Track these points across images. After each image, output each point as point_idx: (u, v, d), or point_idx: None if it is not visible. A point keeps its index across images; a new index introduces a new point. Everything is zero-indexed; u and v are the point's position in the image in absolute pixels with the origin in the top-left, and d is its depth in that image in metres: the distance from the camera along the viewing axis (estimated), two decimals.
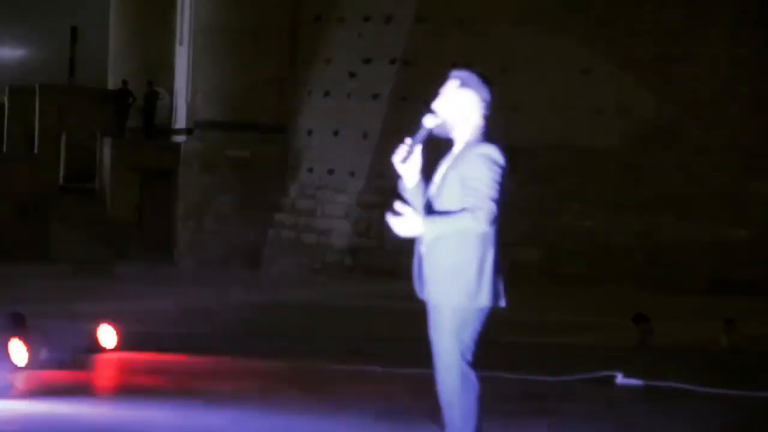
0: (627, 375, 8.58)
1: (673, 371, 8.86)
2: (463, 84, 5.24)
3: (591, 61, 17.42)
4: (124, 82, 25.29)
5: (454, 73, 5.29)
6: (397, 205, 5.07)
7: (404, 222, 5.07)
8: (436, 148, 5.34)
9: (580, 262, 16.74)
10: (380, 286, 13.84)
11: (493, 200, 5.01)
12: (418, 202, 5.28)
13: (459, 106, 5.23)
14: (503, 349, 9.46)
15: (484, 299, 5.15)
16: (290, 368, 8.76)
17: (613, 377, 8.56)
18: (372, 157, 17.65)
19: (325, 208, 18.53)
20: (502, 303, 5.26)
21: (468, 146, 5.19)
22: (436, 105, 5.25)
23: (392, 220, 5.05)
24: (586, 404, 7.89)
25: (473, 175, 5.07)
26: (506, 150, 5.17)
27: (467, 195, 5.05)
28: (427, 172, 5.25)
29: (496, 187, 5.05)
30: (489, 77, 5.33)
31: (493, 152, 5.11)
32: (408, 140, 5.16)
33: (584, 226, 17.03)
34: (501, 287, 5.20)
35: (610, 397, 8.18)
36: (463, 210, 5.03)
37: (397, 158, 5.16)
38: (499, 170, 5.06)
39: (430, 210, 5.22)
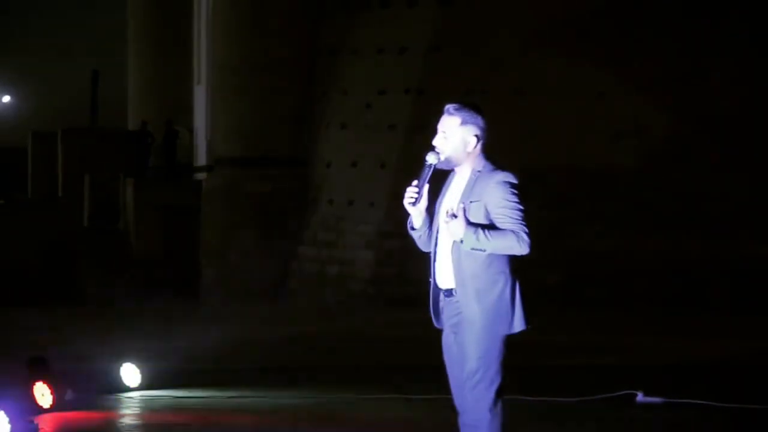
0: (648, 393, 8.62)
1: (695, 389, 8.88)
2: (465, 122, 5.29)
3: (605, 83, 17.47)
4: (144, 123, 25.56)
5: (450, 109, 5.34)
6: (458, 210, 5.15)
7: (454, 223, 5.11)
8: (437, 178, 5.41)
9: (601, 283, 16.73)
10: (404, 314, 13.87)
11: (526, 226, 5.13)
12: (424, 238, 5.38)
13: (467, 143, 5.29)
14: (525, 372, 9.51)
15: (519, 324, 5.25)
16: (315, 400, 8.82)
17: (634, 396, 8.60)
18: (391, 186, 17.73)
19: (347, 239, 18.62)
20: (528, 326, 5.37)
21: (483, 175, 5.25)
22: (437, 142, 5.32)
23: (455, 216, 5.10)
24: (605, 424, 7.92)
25: (502, 204, 5.15)
26: (523, 174, 5.30)
27: (502, 223, 5.15)
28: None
29: (523, 210, 5.17)
30: (479, 104, 5.41)
31: (510, 178, 5.21)
32: (415, 182, 5.24)
33: (604, 248, 17.03)
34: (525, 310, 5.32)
35: (630, 415, 8.21)
36: (508, 231, 5.14)
37: (407, 201, 5.24)
38: (519, 195, 5.17)
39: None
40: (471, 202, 5.18)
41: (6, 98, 42.54)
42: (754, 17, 17.59)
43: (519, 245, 5.10)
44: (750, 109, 17.36)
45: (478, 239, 5.08)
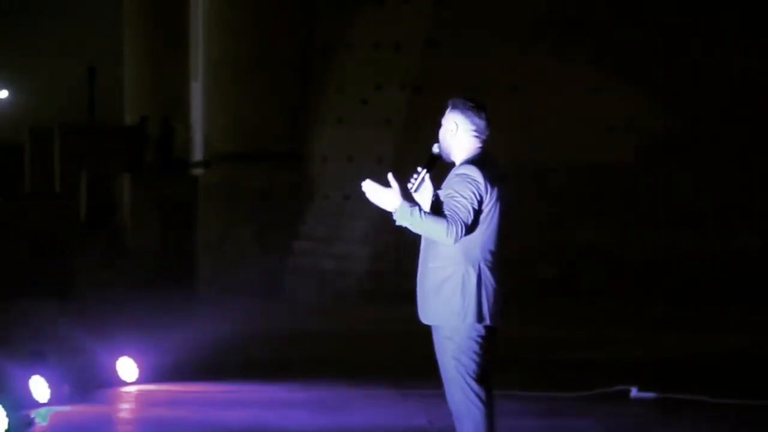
0: (642, 389, 8.67)
1: (689, 384, 8.93)
2: (452, 108, 5.43)
3: (600, 78, 17.51)
4: (143, 118, 25.55)
5: (450, 100, 5.48)
6: (390, 176, 5.27)
7: (383, 193, 5.22)
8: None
9: (596, 277, 16.79)
10: (400, 309, 13.92)
11: (465, 219, 5.17)
12: None
13: (447, 130, 5.41)
14: (520, 367, 9.56)
15: (471, 317, 5.25)
16: (311, 394, 8.87)
17: (628, 391, 8.65)
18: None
19: (343, 233, 18.66)
20: (495, 322, 5.32)
21: (454, 169, 5.36)
22: (439, 133, 5.46)
23: (370, 186, 5.25)
24: (600, 419, 7.97)
25: (449, 193, 5.25)
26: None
27: (445, 210, 5.23)
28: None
29: (471, 204, 5.20)
30: (482, 103, 5.48)
31: (469, 170, 5.27)
32: (419, 168, 5.35)
33: (599, 242, 17.08)
34: (493, 305, 5.30)
35: (624, 410, 8.25)
36: (443, 218, 5.20)
37: (410, 186, 5.36)
38: (474, 187, 5.20)
39: None
40: (438, 190, 5.33)
41: (4, 94, 42.55)
42: (748, 12, 17.64)
43: (445, 233, 5.14)
44: (742, 104, 17.42)
45: (410, 215, 5.16)
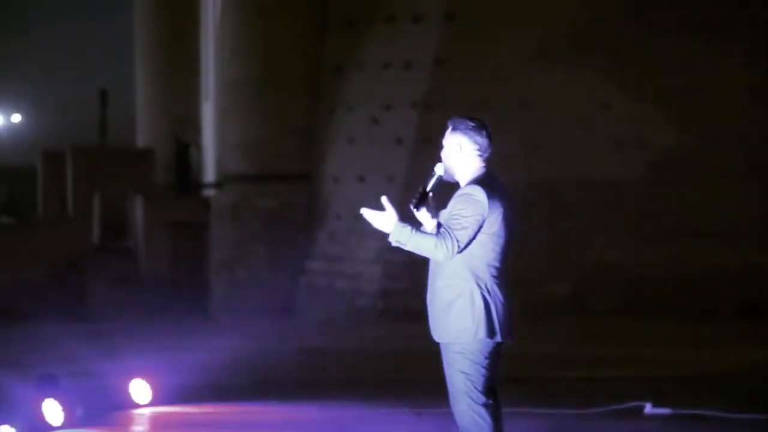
0: (656, 404, 8.64)
1: (704, 399, 8.90)
2: (453, 129, 5.46)
3: (609, 95, 17.53)
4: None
5: (449, 120, 5.50)
6: (383, 199, 5.33)
7: (380, 216, 5.27)
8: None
9: (609, 294, 16.78)
10: (412, 327, 13.91)
11: (460, 237, 5.19)
12: None
13: (450, 151, 5.44)
14: (534, 384, 9.55)
15: (482, 333, 5.28)
16: (325, 414, 8.86)
17: (642, 407, 8.63)
18: (398, 200, 17.77)
19: (355, 253, 18.67)
20: (505, 337, 5.35)
21: (459, 189, 5.39)
22: (442, 153, 5.48)
23: (368, 212, 5.32)
24: None
25: (449, 211, 5.29)
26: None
27: (442, 227, 5.27)
28: None
29: (470, 223, 5.22)
30: (483, 121, 5.50)
31: (472, 190, 5.30)
32: (420, 188, 5.38)
33: (611, 259, 17.06)
34: (503, 320, 5.32)
35: (639, 427, 8.23)
36: (434, 235, 5.24)
37: (411, 206, 5.39)
38: (476, 207, 5.22)
39: None
40: (442, 210, 5.38)
41: (17, 117, 42.75)
42: (757, 29, 17.65)
43: (435, 250, 5.20)
44: (752, 119, 17.42)
45: (402, 233, 5.21)
